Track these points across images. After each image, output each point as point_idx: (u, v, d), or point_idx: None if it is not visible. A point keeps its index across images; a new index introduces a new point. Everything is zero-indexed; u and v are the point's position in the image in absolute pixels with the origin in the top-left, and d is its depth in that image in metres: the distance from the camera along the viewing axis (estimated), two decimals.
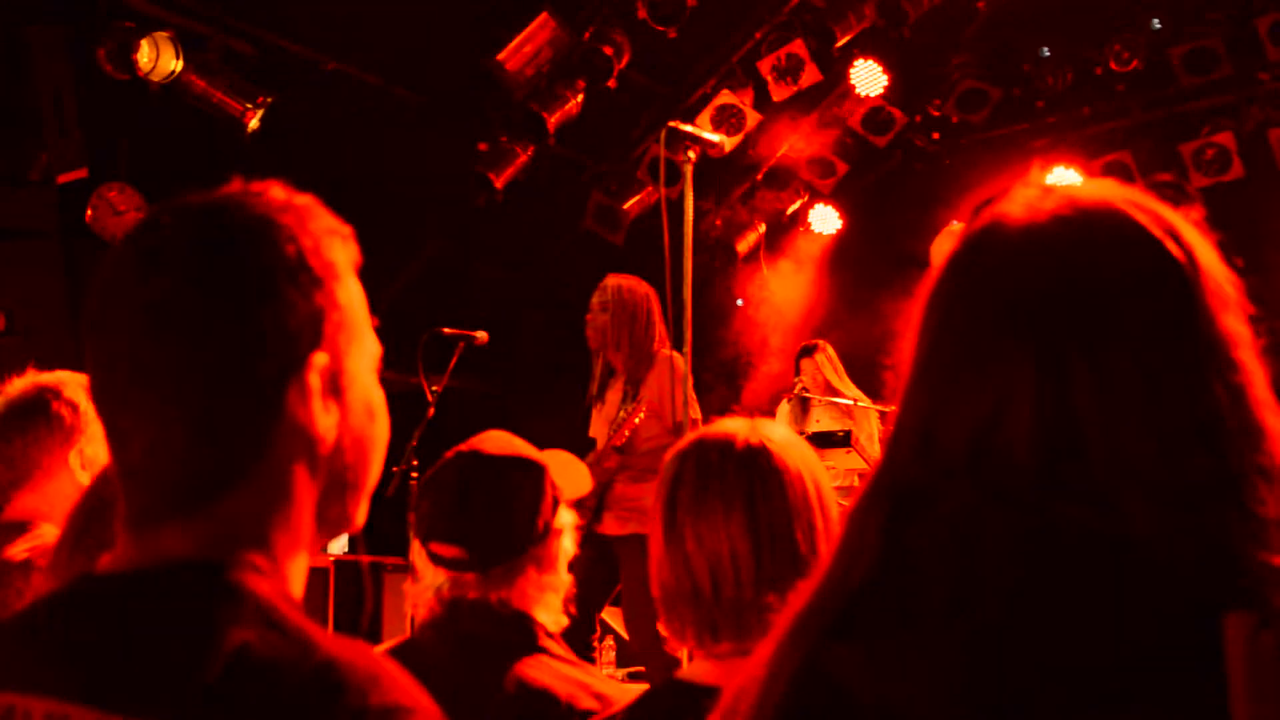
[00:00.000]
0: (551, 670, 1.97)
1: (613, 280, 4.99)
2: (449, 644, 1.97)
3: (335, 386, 0.99)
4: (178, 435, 0.93)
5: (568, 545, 2.09)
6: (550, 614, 2.04)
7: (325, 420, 0.98)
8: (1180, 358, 0.89)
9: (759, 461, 1.60)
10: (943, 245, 4.40)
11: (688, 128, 3.91)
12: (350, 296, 1.01)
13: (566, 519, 2.10)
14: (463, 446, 2.07)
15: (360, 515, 1.05)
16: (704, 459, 1.62)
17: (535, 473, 2.05)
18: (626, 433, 4.71)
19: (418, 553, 2.04)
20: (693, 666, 1.63)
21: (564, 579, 2.07)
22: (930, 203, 6.75)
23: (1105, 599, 0.83)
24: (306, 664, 0.86)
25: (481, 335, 4.87)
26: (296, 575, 0.99)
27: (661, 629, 1.64)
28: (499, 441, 2.09)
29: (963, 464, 0.90)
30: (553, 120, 6.69)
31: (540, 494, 2.03)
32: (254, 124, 5.74)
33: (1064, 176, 7.47)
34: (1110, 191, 0.97)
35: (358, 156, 6.21)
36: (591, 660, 4.98)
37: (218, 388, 0.93)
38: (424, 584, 2.02)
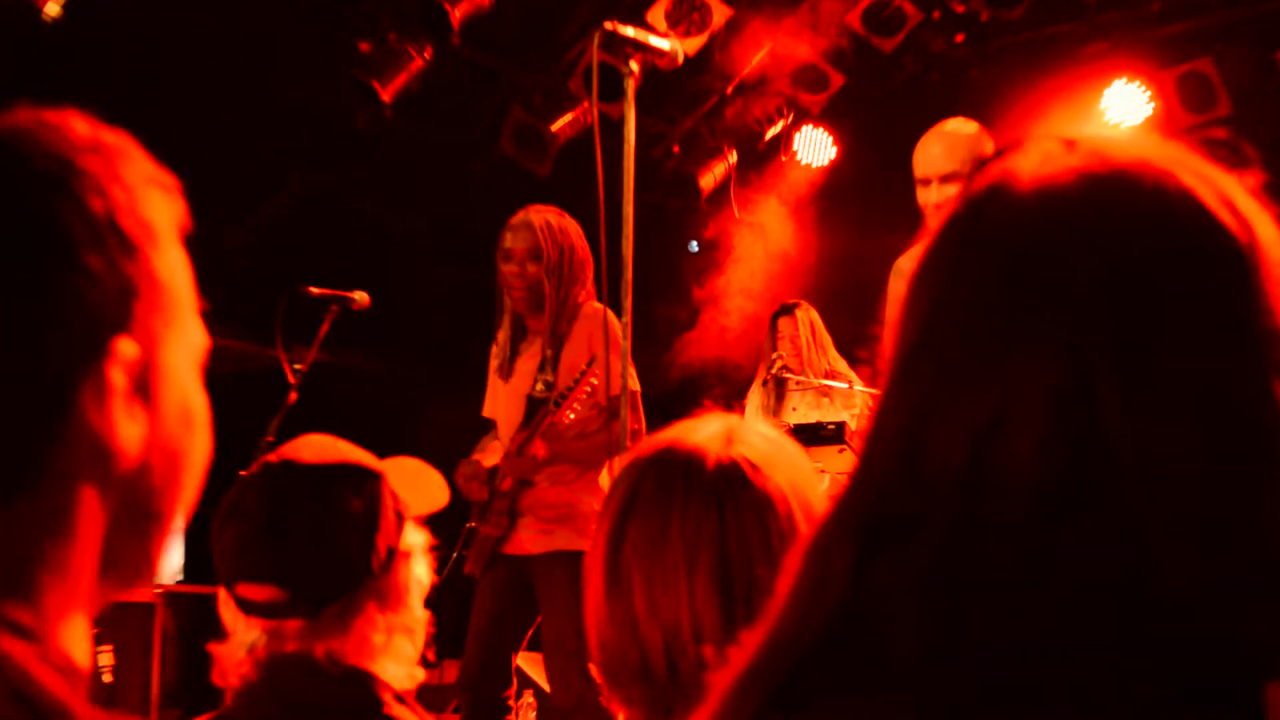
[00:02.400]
0: None
1: (538, 215, 4.95)
2: (269, 719, 1.96)
3: (144, 385, 0.98)
4: None
5: (420, 573, 2.09)
6: (400, 667, 2.03)
7: (128, 429, 0.96)
8: (1234, 359, 0.89)
9: (735, 490, 1.57)
10: (929, 149, 4.44)
11: (629, 30, 3.89)
12: (171, 269, 1.00)
13: (416, 539, 2.10)
14: (270, 457, 2.07)
15: (162, 560, 1.04)
16: (664, 483, 1.59)
17: (369, 483, 2.05)
18: (575, 406, 4.64)
19: (224, 603, 2.04)
20: None
21: (418, 617, 2.07)
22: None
23: (1123, 663, 0.84)
24: None
25: (361, 296, 4.84)
26: (74, 635, 0.96)
27: (594, 673, 1.64)
28: (320, 447, 2.09)
29: (952, 485, 0.91)
30: (458, 13, 6.66)
31: (377, 509, 2.03)
32: (54, 9, 5.64)
33: (1125, 93, 7.55)
34: (1150, 147, 0.97)
35: (195, 59, 6.14)
36: None
37: None
38: (235, 642, 2.01)
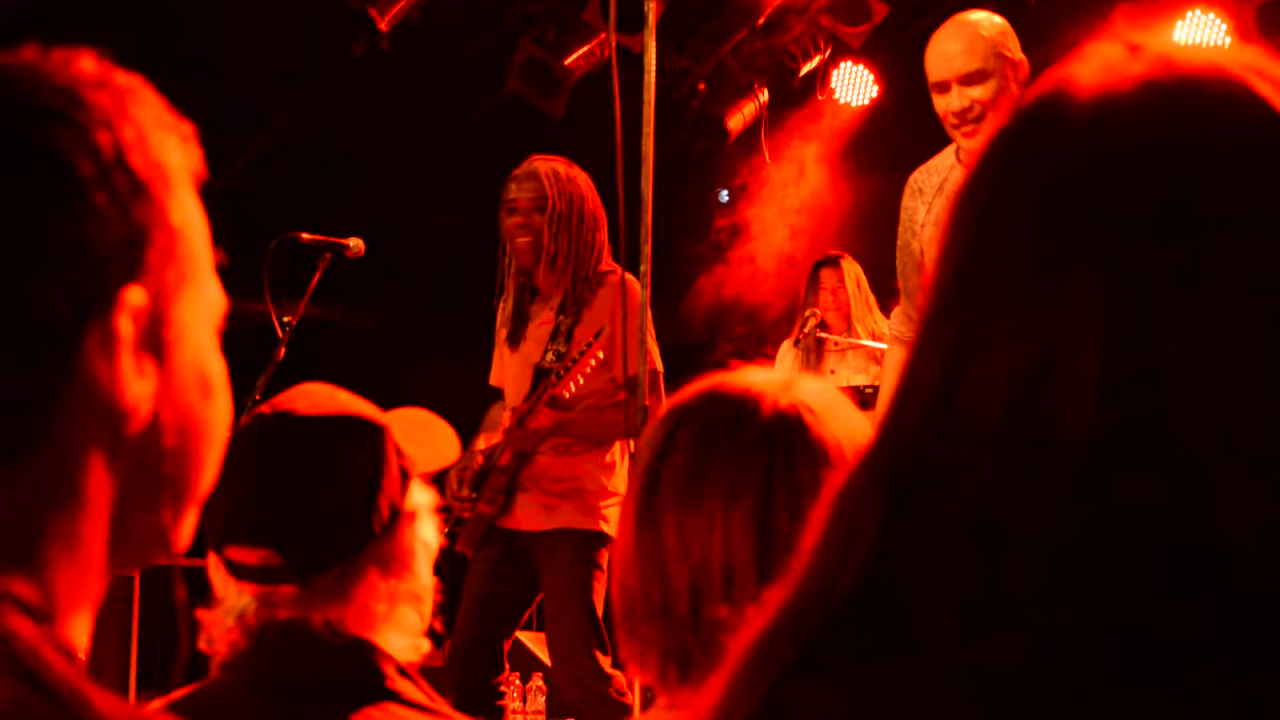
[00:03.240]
0: None
1: (544, 163, 4.97)
2: (257, 691, 1.96)
3: (155, 340, 0.98)
4: None
5: (426, 535, 2.08)
6: (404, 638, 2.04)
7: (137, 385, 0.96)
8: None
9: (792, 436, 1.59)
10: (944, 47, 4.14)
11: None
12: (186, 217, 1.01)
13: (422, 499, 2.10)
14: (264, 408, 2.07)
15: (183, 531, 1.04)
16: (711, 423, 1.61)
17: (371, 437, 2.04)
18: (579, 378, 4.66)
19: (214, 567, 2.04)
20: (650, 715, 1.65)
21: (424, 584, 2.07)
22: None
23: (1187, 630, 0.83)
24: None
25: (356, 244, 4.84)
26: (77, 615, 0.97)
27: (603, 662, 1.65)
28: (317, 398, 2.08)
29: (994, 432, 0.90)
30: None
31: (380, 465, 2.02)
32: None
33: (1199, 24, 7.49)
34: (1224, 53, 0.96)
35: None
36: (498, 713, 5.02)
37: None
38: (224, 609, 2.01)
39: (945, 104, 4.14)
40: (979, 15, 4.23)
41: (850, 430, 1.63)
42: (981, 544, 0.88)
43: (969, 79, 4.08)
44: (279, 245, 4.68)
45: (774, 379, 1.65)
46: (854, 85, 8.44)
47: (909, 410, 0.96)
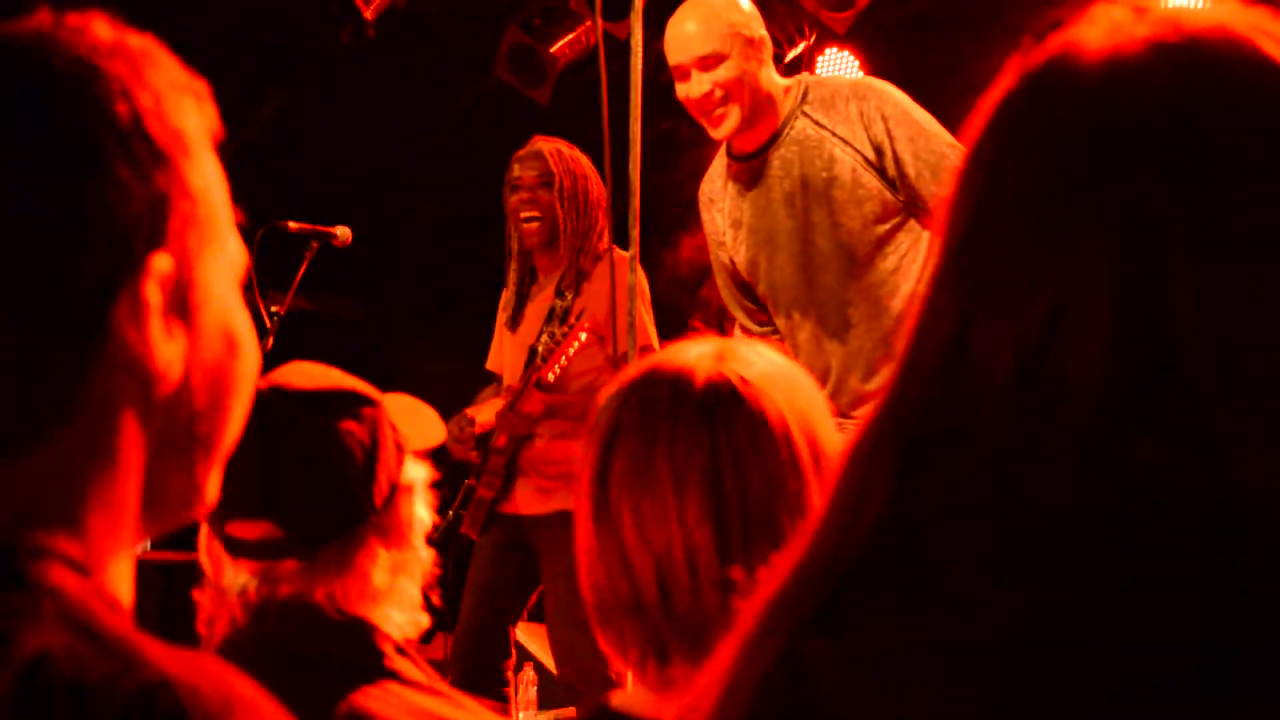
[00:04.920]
0: (404, 706, 1.95)
1: (547, 143, 4.99)
2: (257, 668, 1.95)
3: (182, 303, 1.01)
4: None
5: (421, 511, 2.09)
6: (403, 613, 2.04)
7: (167, 349, 0.99)
8: None
9: (727, 408, 1.58)
10: (680, 29, 3.83)
11: None
12: (206, 180, 1.03)
13: (417, 473, 2.10)
14: (259, 384, 2.06)
15: (213, 487, 1.08)
16: (649, 406, 1.61)
17: (368, 409, 2.05)
18: (562, 360, 4.65)
19: (208, 548, 2.03)
20: (631, 695, 1.64)
21: (421, 557, 2.07)
22: (994, 44, 6.75)
23: (1204, 592, 0.83)
24: (130, 684, 0.86)
25: (343, 232, 4.84)
26: (120, 569, 1.00)
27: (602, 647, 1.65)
28: (312, 374, 2.08)
29: (1005, 389, 0.91)
30: None
31: (377, 438, 2.03)
32: None
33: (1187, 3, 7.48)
34: (1229, 13, 0.97)
35: None
36: (503, 700, 5.01)
37: (14, 299, 0.94)
38: (222, 586, 2.00)
39: (686, 91, 3.94)
40: None
41: (792, 397, 1.61)
42: (994, 500, 0.88)
43: (705, 62, 3.88)
44: (266, 234, 4.68)
45: (706, 350, 1.64)
46: (839, 71, 8.44)
47: (919, 369, 0.96)
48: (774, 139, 4.03)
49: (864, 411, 3.67)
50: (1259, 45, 0.94)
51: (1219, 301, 0.87)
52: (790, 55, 8.29)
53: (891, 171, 3.88)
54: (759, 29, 4.00)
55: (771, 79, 4.03)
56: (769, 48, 4.00)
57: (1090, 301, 0.89)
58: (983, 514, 0.88)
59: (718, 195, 4.23)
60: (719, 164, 4.23)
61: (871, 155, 3.88)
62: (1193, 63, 0.93)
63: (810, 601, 0.92)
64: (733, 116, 3.94)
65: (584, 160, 4.97)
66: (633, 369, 1.67)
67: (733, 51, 3.91)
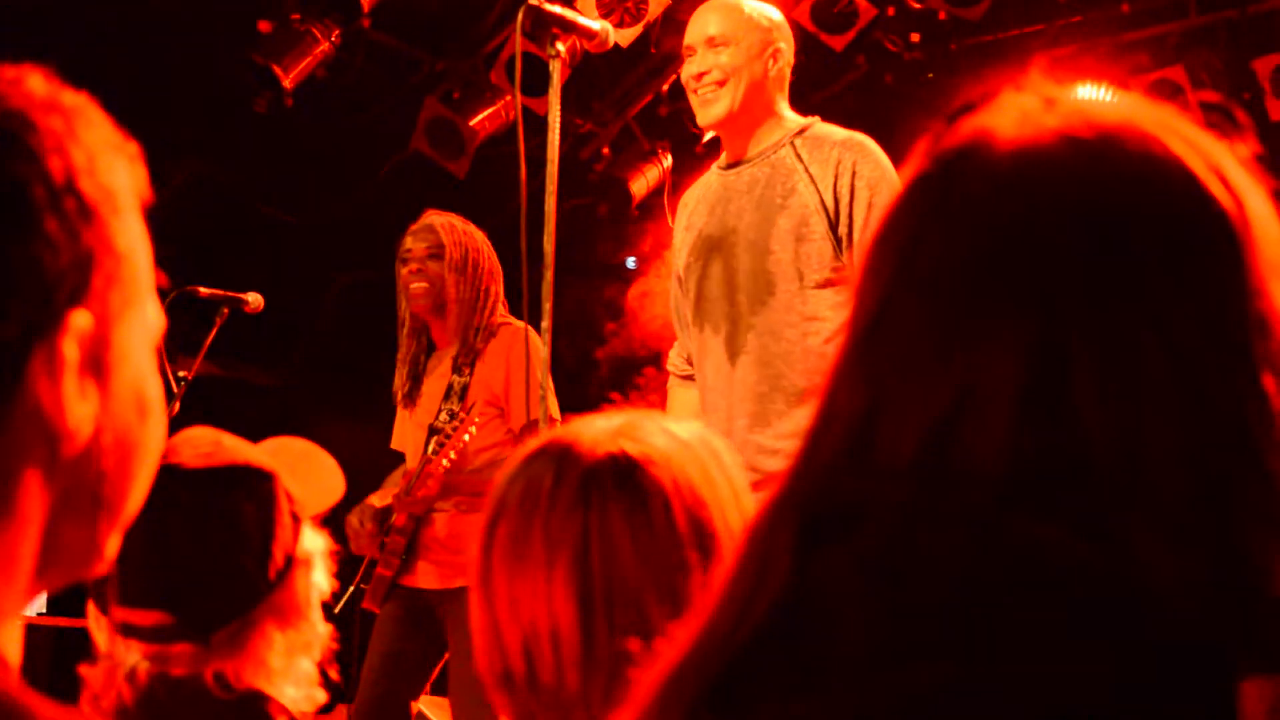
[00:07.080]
0: None
1: (439, 217, 5.01)
2: None
3: (98, 363, 0.99)
4: None
5: (319, 580, 2.05)
6: (299, 689, 2.00)
7: (79, 407, 0.97)
8: (1219, 348, 0.90)
9: (605, 488, 1.57)
10: (703, 14, 3.96)
11: (556, 8, 3.91)
12: (131, 241, 1.02)
13: (315, 543, 2.06)
14: None
15: (111, 547, 1.05)
16: (532, 483, 1.60)
17: (260, 485, 2.00)
18: (452, 453, 4.67)
19: (96, 621, 1.99)
20: None
21: (318, 631, 2.03)
22: (905, 130, 6.84)
23: (1086, 662, 0.84)
24: None
25: (254, 298, 4.82)
26: (8, 629, 0.97)
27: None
28: (201, 446, 2.03)
29: (906, 469, 0.91)
30: None
31: (272, 514, 1.98)
32: None
33: (1092, 96, 7.61)
34: (1136, 108, 0.98)
35: (83, 33, 6.08)
36: None
37: None
38: (110, 666, 1.96)
39: (688, 69, 4.01)
40: (758, 2, 4.08)
41: (690, 473, 1.60)
42: (888, 580, 0.88)
43: (713, 41, 3.94)
44: (176, 299, 4.63)
45: (607, 427, 1.63)
46: None
47: (822, 447, 0.96)
48: (757, 156, 4.04)
49: (758, 463, 3.59)
50: (1167, 144, 0.95)
51: (1124, 400, 0.88)
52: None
53: (842, 229, 3.87)
54: (781, 41, 4.04)
55: (776, 95, 4.06)
56: (785, 64, 4.03)
57: (995, 393, 0.90)
58: (875, 595, 0.88)
59: (691, 201, 4.27)
60: (709, 173, 4.26)
61: (830, 203, 3.87)
62: (1103, 160, 0.94)
63: (707, 678, 0.91)
64: (721, 103, 3.96)
65: (477, 234, 4.99)
66: (531, 444, 1.66)
67: (744, 42, 3.96)
